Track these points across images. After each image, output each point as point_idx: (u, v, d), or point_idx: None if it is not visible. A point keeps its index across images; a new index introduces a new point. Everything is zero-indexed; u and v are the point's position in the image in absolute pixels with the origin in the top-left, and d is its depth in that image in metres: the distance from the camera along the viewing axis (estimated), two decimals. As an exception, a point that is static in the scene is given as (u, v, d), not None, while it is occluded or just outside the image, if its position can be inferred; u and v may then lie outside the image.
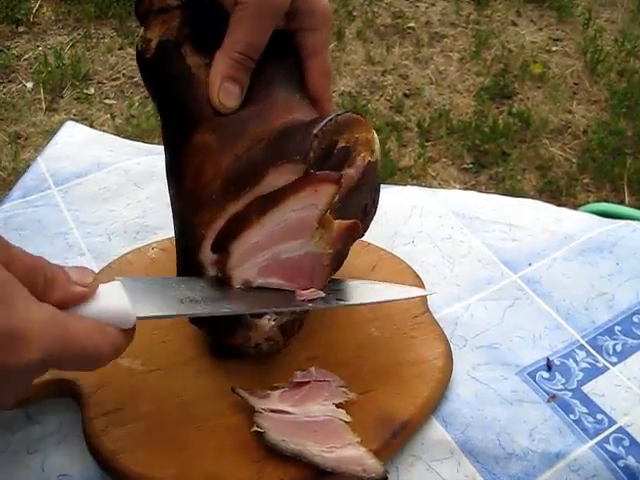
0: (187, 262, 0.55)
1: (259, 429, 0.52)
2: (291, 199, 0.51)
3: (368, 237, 0.70)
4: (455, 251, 0.71)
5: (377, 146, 0.56)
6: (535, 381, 0.61)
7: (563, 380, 0.61)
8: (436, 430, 0.57)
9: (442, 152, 2.10)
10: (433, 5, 2.62)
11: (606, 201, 1.96)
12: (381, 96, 2.29)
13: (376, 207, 0.60)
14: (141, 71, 0.59)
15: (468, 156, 2.07)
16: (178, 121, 0.56)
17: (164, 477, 0.51)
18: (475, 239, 0.72)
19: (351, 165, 0.54)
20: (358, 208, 0.58)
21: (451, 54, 2.41)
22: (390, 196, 0.77)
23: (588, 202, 1.94)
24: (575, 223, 0.75)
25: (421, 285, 0.66)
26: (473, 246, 0.72)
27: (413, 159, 2.07)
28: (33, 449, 0.56)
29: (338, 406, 0.53)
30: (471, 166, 2.05)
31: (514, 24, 2.53)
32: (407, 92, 2.29)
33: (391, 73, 2.36)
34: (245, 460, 0.52)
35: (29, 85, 2.23)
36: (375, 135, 0.56)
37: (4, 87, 2.22)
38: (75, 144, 0.82)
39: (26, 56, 2.35)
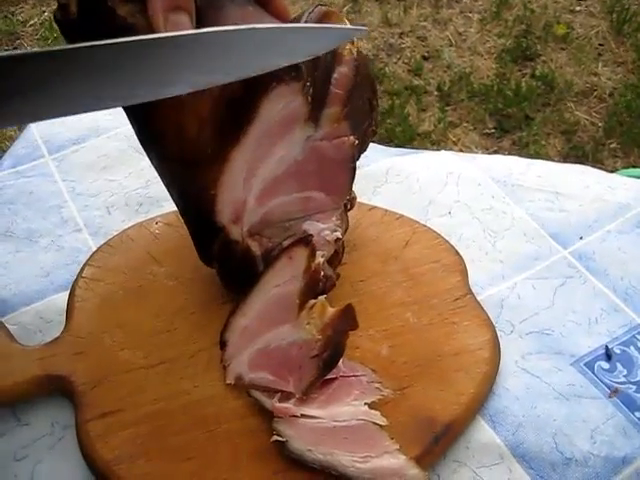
0: (204, 227, 0.50)
1: (279, 438, 0.44)
2: (270, 273, 0.49)
3: (399, 208, 0.62)
4: (497, 223, 0.63)
5: None
6: (594, 373, 0.53)
7: (625, 371, 0.53)
8: (483, 431, 0.49)
9: (463, 116, 2.00)
10: (451, -37, 2.50)
11: (634, 166, 1.87)
12: (399, 59, 2.18)
13: (377, 99, 0.55)
14: (68, 40, 0.50)
15: (490, 120, 1.97)
16: None
17: (168, 492, 0.44)
18: (519, 209, 0.64)
19: (341, 62, 0.50)
20: (364, 104, 0.53)
21: (471, 15, 2.30)
22: (422, 162, 0.69)
23: (616, 168, 1.85)
24: (629, 191, 0.67)
25: (461, 263, 0.58)
26: (517, 217, 0.64)
27: (433, 124, 1.97)
28: (21, 455, 0.49)
29: (371, 406, 0.46)
30: (493, 131, 1.95)
31: (537, -18, 2.41)
32: (426, 55, 2.19)
33: (409, 35, 2.25)
34: (263, 471, 0.44)
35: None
36: (348, 22, 0.50)
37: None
38: (70, 107, 0.74)
39: (31, 22, 2.26)
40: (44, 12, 2.27)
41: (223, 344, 0.49)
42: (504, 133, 1.95)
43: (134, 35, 0.47)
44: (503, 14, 2.28)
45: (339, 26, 0.48)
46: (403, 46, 2.21)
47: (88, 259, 0.57)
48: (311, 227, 0.52)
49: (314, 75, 0.48)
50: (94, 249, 0.59)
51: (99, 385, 0.49)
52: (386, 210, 0.61)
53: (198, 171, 0.48)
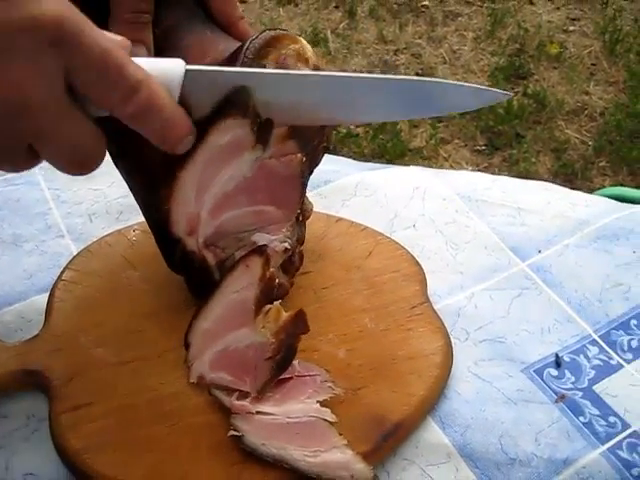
0: (164, 239, 0.53)
1: (236, 432, 0.47)
2: (228, 280, 0.52)
3: (365, 220, 0.66)
4: (459, 236, 0.66)
5: (310, 52, 0.52)
6: (542, 379, 0.56)
7: (573, 378, 0.56)
8: (432, 432, 0.52)
9: (454, 133, 2.03)
10: (448, -18, 2.54)
11: (622, 185, 1.90)
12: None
13: None
14: None
15: (481, 137, 2.01)
16: None
17: (130, 479, 0.46)
18: (481, 224, 0.67)
19: None
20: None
21: (465, 33, 2.34)
22: (391, 176, 0.72)
23: (604, 186, 1.88)
24: (590, 208, 0.70)
25: (421, 273, 0.61)
26: (479, 231, 0.67)
27: (425, 140, 2.01)
28: (-2, 445, 0.52)
29: (323, 404, 0.49)
30: (484, 148, 1.99)
31: (531, 3, 2.46)
32: (420, 71, 2.23)
33: (404, 52, 2.30)
34: (221, 463, 0.47)
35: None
36: (304, 43, 0.52)
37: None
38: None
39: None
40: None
41: (187, 345, 0.52)
42: (495, 150, 1.99)
43: None
44: (497, 33, 2.32)
45: (486, 89, 0.52)
46: (398, 63, 2.25)
47: (68, 263, 0.61)
48: (261, 238, 0.54)
49: None
50: (75, 254, 0.62)
51: (72, 380, 0.52)
52: (352, 222, 0.64)
53: (155, 186, 0.51)
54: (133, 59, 0.42)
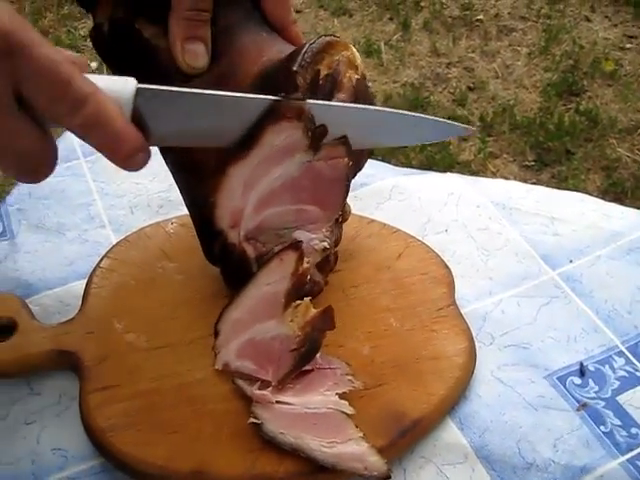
0: (206, 231, 0.55)
1: (256, 420, 0.48)
2: (263, 273, 0.53)
3: (398, 223, 0.66)
4: (491, 243, 0.67)
5: (359, 61, 0.54)
6: (565, 387, 0.56)
7: (596, 388, 0.56)
8: (451, 432, 0.53)
9: (504, 148, 2.02)
10: (504, -3, 2.53)
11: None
12: (444, 89, 2.22)
13: None
14: (102, 58, 0.57)
15: (530, 153, 1.99)
16: None
17: (152, 459, 0.48)
18: (513, 231, 0.68)
19: (340, 89, 0.53)
20: None
21: (519, 48, 2.33)
22: (426, 182, 0.73)
23: (655, 207, 1.84)
24: (624, 220, 0.69)
25: (449, 276, 0.61)
26: (511, 239, 0.67)
27: (473, 154, 2.00)
28: (31, 420, 0.54)
29: (342, 397, 0.50)
30: (533, 164, 1.97)
31: (587, 19, 2.43)
32: (471, 85, 2.22)
33: (456, 66, 2.29)
34: (240, 448, 0.49)
35: (93, 65, 2.25)
36: (354, 51, 0.54)
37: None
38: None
39: (92, 36, 2.37)
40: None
41: (216, 333, 0.54)
42: (544, 166, 1.97)
43: (158, 57, 0.53)
44: (552, 49, 2.30)
45: (446, 122, 0.54)
46: (450, 76, 2.25)
47: (107, 251, 0.63)
48: (302, 236, 0.56)
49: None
50: (114, 243, 0.65)
51: (103, 362, 0.54)
52: (384, 224, 0.65)
53: (203, 180, 0.53)
54: (85, 75, 0.43)
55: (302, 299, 0.52)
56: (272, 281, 0.53)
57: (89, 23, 2.42)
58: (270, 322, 0.52)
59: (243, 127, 0.49)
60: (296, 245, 0.53)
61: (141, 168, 0.46)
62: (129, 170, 0.46)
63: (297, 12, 2.47)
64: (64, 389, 0.56)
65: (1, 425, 0.54)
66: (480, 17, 2.46)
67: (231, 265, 0.57)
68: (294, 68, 0.50)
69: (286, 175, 0.53)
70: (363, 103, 0.55)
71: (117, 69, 0.57)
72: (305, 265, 0.53)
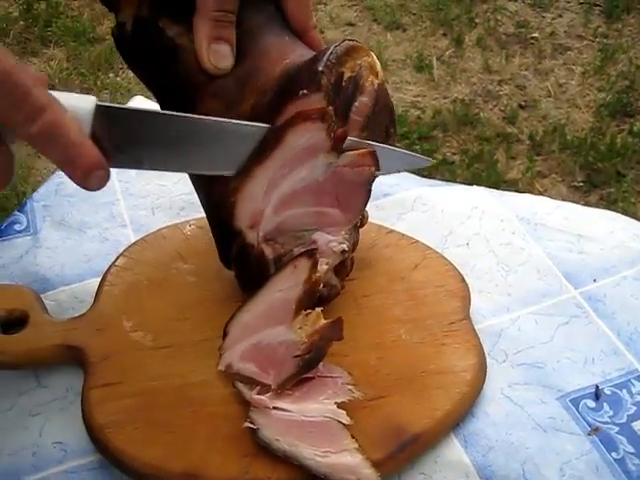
0: (224, 231, 0.55)
1: (252, 425, 0.48)
2: (276, 278, 0.53)
3: (418, 234, 0.65)
4: (512, 258, 0.65)
5: (379, 67, 0.55)
6: (578, 409, 0.54)
7: (611, 412, 0.54)
8: (453, 449, 0.51)
9: (552, 168, 1.98)
10: (560, 16, 2.49)
11: None
12: (495, 106, 2.19)
13: (395, 128, 0.57)
14: (124, 58, 0.57)
15: (580, 174, 1.95)
16: (177, 96, 0.54)
17: (146, 458, 0.48)
18: (537, 247, 0.66)
19: (362, 92, 0.53)
20: (380, 131, 0.56)
21: (574, 67, 2.29)
22: (451, 194, 0.71)
23: None
24: (656, 241, 0.67)
25: (465, 290, 0.60)
26: (533, 255, 0.65)
27: (521, 172, 1.97)
28: (36, 412, 0.54)
29: (341, 406, 0.49)
30: (582, 184, 1.93)
31: (646, 39, 2.37)
32: (522, 103, 2.19)
33: (508, 83, 2.26)
34: (234, 452, 0.48)
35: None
36: (375, 57, 0.54)
37: (123, 72, 2.29)
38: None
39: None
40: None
41: (225, 334, 0.54)
42: (593, 188, 1.92)
43: (182, 56, 0.54)
44: (607, 68, 2.25)
45: (407, 153, 0.56)
46: (501, 93, 2.22)
47: (123, 250, 0.63)
48: (321, 238, 0.56)
49: (335, 101, 0.52)
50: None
51: (107, 359, 0.54)
52: (403, 235, 0.64)
53: (223, 180, 0.52)
54: (47, 91, 0.43)
55: (314, 307, 0.51)
56: (285, 287, 0.52)
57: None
58: (279, 328, 0.52)
59: (212, 152, 0.49)
60: (310, 252, 0.52)
61: (100, 188, 0.45)
62: (89, 189, 0.45)
63: (350, 25, 2.48)
64: (71, 384, 0.56)
65: (6, 416, 0.54)
66: (535, 35, 2.42)
67: (248, 266, 0.56)
68: (319, 68, 0.50)
69: (309, 178, 0.53)
70: (384, 108, 0.56)
71: (138, 68, 0.58)
72: (319, 272, 0.52)
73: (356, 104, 0.53)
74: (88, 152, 0.44)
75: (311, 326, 0.51)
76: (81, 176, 0.44)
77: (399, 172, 0.60)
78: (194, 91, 0.53)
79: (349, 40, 0.53)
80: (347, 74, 0.52)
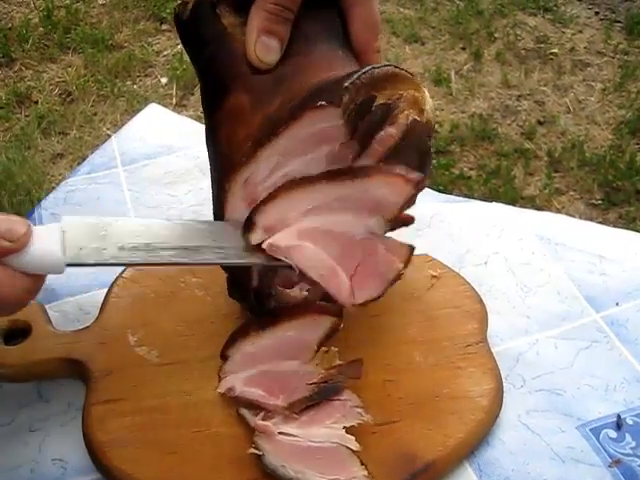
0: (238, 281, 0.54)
1: (257, 451, 0.46)
2: (291, 322, 0.52)
3: (435, 252, 0.63)
4: (531, 279, 0.63)
5: (429, 106, 0.51)
6: (598, 440, 0.52)
7: (633, 444, 0.51)
8: (467, 478, 0.49)
9: (571, 185, 1.96)
10: (580, 32, 2.47)
11: None
12: (513, 121, 2.17)
13: (425, 173, 0.53)
14: (179, 34, 0.55)
15: (598, 191, 1.92)
16: (215, 83, 0.52)
17: (147, 478, 0.46)
18: (557, 268, 0.63)
19: (393, 123, 0.50)
20: None
21: (593, 84, 2.26)
22: (470, 211, 0.69)
23: None
24: (681, 264, 0.64)
25: (482, 311, 0.58)
26: (553, 275, 0.63)
27: (539, 189, 1.94)
28: (35, 427, 0.53)
29: (350, 431, 0.47)
30: (600, 202, 1.90)
31: (668, 57, 2.35)
32: (541, 119, 2.16)
33: (527, 98, 2.24)
34: (238, 477, 0.46)
35: (163, 80, 2.29)
36: (427, 94, 0.51)
37: (140, 80, 2.29)
38: (152, 126, 0.80)
39: (165, 53, 2.41)
40: (177, 45, 2.42)
41: (224, 357, 0.52)
42: (611, 206, 1.89)
43: (229, 45, 0.52)
44: (627, 85, 2.23)
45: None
46: (519, 109, 2.20)
47: (131, 261, 0.62)
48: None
49: (356, 122, 0.49)
50: (141, 254, 0.64)
51: (111, 374, 0.52)
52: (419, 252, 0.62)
53: (228, 172, 0.50)
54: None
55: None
56: (299, 330, 0.51)
57: (162, 39, 2.47)
58: (293, 362, 0.51)
59: None
60: (337, 312, 0.51)
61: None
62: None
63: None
64: (73, 398, 0.54)
65: (6, 429, 0.53)
66: (555, 50, 2.40)
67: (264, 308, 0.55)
68: (345, 84, 0.47)
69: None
70: (414, 148, 0.52)
71: (189, 47, 0.56)
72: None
73: (382, 133, 0.50)
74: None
75: (328, 363, 0.50)
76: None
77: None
78: (231, 80, 0.51)
79: (395, 67, 0.50)
80: (380, 99, 0.49)
